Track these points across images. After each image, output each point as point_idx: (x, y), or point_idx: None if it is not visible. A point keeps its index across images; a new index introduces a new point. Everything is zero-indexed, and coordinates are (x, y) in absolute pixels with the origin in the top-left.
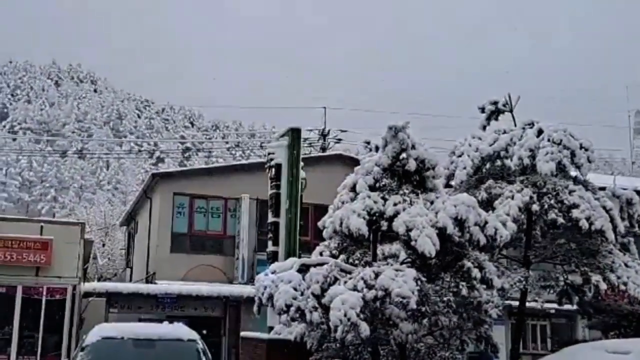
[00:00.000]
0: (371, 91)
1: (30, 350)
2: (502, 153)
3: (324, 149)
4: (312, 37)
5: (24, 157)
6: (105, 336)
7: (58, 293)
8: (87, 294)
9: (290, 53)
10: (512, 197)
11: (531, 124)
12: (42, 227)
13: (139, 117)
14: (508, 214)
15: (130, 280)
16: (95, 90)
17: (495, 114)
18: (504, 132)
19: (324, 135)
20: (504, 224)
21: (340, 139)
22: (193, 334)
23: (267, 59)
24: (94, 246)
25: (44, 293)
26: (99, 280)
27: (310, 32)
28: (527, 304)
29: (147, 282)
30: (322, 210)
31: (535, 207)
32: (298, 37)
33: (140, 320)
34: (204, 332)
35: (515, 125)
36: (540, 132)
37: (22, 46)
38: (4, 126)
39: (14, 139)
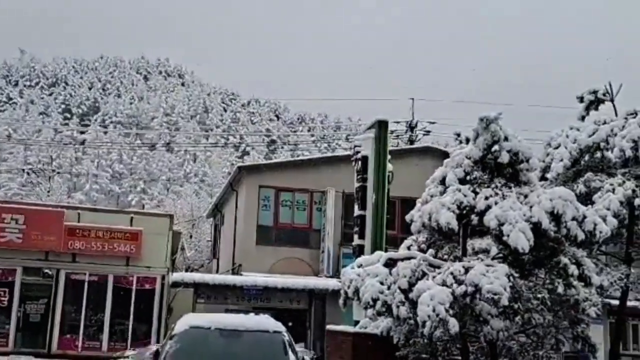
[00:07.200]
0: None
1: (120, 337)
2: (602, 144)
3: (411, 141)
4: (397, 29)
5: (114, 150)
6: (193, 325)
7: (147, 283)
8: (175, 284)
9: (377, 46)
10: (613, 191)
11: (634, 114)
12: (132, 218)
13: (225, 110)
14: (608, 208)
15: (217, 272)
16: (182, 84)
17: (594, 103)
18: (604, 123)
19: (411, 127)
20: (604, 219)
21: (428, 131)
22: (279, 326)
23: (353, 51)
24: (181, 237)
25: (134, 282)
26: (186, 271)
27: (399, 25)
28: (628, 303)
29: (233, 273)
30: (409, 203)
31: (638, 201)
32: (384, 30)
33: (227, 311)
34: (289, 324)
35: (617, 115)
36: None
37: (112, 42)
38: (96, 120)
39: (105, 132)
